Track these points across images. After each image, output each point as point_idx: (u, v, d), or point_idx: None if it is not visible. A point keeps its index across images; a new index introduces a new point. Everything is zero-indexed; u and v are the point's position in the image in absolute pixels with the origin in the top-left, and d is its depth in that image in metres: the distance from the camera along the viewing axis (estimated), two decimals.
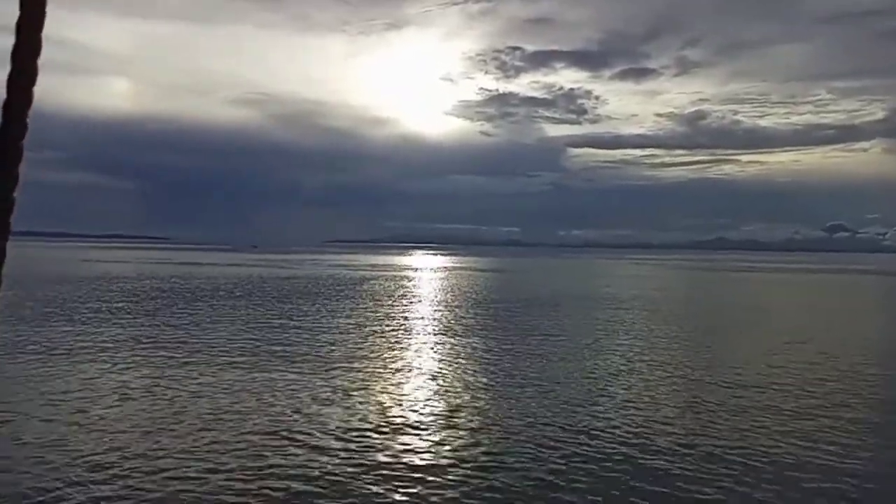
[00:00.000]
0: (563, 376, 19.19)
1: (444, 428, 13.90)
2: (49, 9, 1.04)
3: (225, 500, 10.01)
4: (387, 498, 10.19)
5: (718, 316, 39.12)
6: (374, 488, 10.51)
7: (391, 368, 20.02)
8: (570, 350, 23.93)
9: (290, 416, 14.51)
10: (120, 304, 35.38)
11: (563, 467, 11.63)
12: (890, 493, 11.18)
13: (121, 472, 10.90)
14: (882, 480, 11.42)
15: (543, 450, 12.50)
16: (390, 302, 41.21)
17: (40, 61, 1.03)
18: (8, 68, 1.01)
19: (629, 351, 23.90)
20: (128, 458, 11.53)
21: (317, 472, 11.11)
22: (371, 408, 15.28)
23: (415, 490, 10.48)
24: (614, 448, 12.67)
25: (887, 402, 17.16)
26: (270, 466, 11.35)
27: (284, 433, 13.24)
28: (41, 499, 9.88)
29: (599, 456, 12.25)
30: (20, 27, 1.01)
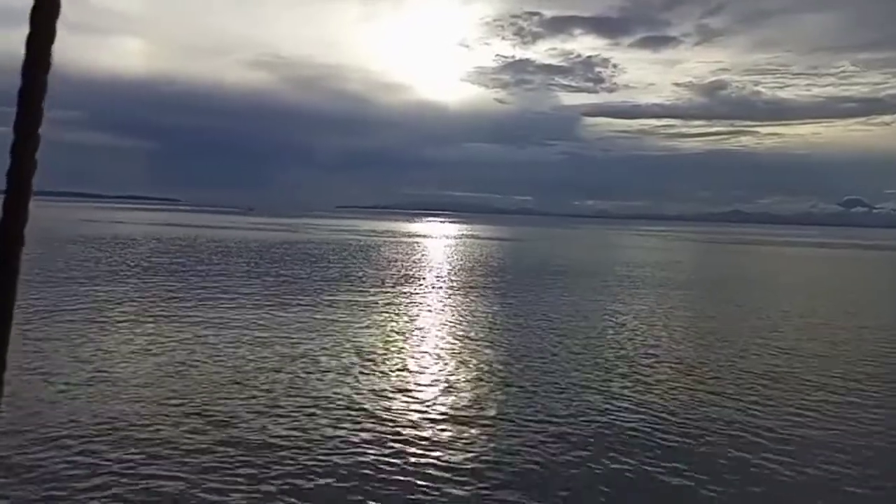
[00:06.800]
0: (567, 349, 18.49)
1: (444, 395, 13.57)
2: None
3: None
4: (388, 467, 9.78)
5: (730, 291, 36.56)
6: (381, 463, 9.99)
7: (400, 336, 19.46)
8: (574, 323, 22.93)
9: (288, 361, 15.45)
10: (103, 272, 31.23)
11: (562, 445, 11.06)
12: None
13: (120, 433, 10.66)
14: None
15: (551, 425, 11.92)
16: (402, 269, 39.34)
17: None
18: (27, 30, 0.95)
19: (637, 327, 22.61)
20: (135, 415, 11.39)
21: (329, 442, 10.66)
22: (380, 382, 14.35)
23: (419, 461, 10.10)
24: (624, 425, 12.03)
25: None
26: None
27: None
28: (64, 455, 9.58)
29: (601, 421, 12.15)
30: None
